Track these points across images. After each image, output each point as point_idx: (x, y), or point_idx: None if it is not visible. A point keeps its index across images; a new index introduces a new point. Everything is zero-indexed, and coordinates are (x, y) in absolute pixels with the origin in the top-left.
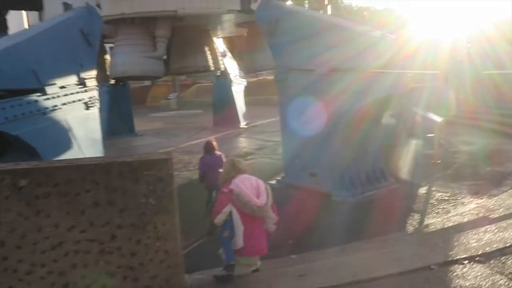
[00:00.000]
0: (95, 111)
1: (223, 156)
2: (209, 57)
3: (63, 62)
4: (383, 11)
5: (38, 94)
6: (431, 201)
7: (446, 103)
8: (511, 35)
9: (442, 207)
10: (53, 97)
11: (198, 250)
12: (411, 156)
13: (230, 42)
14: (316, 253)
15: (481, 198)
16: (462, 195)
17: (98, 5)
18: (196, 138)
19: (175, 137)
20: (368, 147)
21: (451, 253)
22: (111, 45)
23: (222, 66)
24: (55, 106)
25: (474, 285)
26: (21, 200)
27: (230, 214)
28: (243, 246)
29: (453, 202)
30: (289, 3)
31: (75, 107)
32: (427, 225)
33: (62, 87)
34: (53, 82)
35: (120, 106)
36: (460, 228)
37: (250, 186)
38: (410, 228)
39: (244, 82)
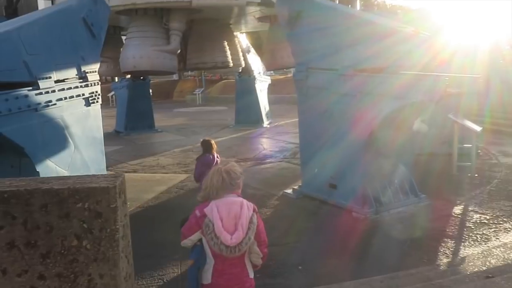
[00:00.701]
0: (96, 107)
1: (218, 159)
2: (229, 52)
3: (61, 54)
4: (417, 10)
5: (29, 88)
6: (467, 223)
7: (487, 110)
8: None
9: (481, 232)
10: (47, 92)
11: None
12: (444, 168)
13: (257, 38)
14: None
15: None
16: (504, 218)
17: None
18: (215, 136)
19: (194, 135)
20: (396, 157)
21: None
22: None
23: (242, 62)
24: (49, 101)
25: None
26: None
27: (201, 240)
28: (211, 283)
29: (494, 227)
30: None
31: (73, 103)
32: (463, 259)
33: (58, 81)
34: (47, 75)
35: (139, 101)
36: (506, 270)
37: (228, 215)
38: (442, 261)
39: (268, 80)
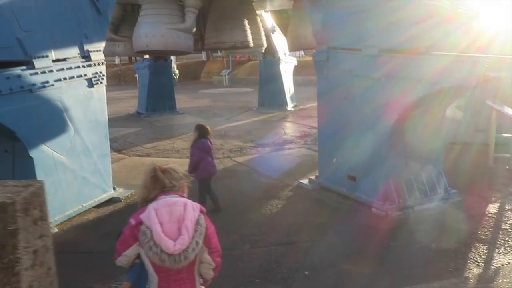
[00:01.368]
0: (100, 89)
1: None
2: (249, 32)
3: (60, 31)
4: None
5: (23, 67)
6: (503, 225)
7: None
8: None
9: None
10: (43, 72)
11: None
12: (479, 159)
13: (287, 17)
14: None
15: None
16: None
17: None
18: (236, 120)
19: (215, 117)
20: (424, 146)
21: None
22: None
23: (264, 42)
24: (46, 82)
25: None
26: None
27: (140, 255)
28: None
29: None
30: None
31: (74, 84)
32: (497, 270)
33: (57, 60)
34: (44, 54)
35: (160, 82)
36: None
37: (169, 219)
38: (471, 271)
39: (294, 61)
